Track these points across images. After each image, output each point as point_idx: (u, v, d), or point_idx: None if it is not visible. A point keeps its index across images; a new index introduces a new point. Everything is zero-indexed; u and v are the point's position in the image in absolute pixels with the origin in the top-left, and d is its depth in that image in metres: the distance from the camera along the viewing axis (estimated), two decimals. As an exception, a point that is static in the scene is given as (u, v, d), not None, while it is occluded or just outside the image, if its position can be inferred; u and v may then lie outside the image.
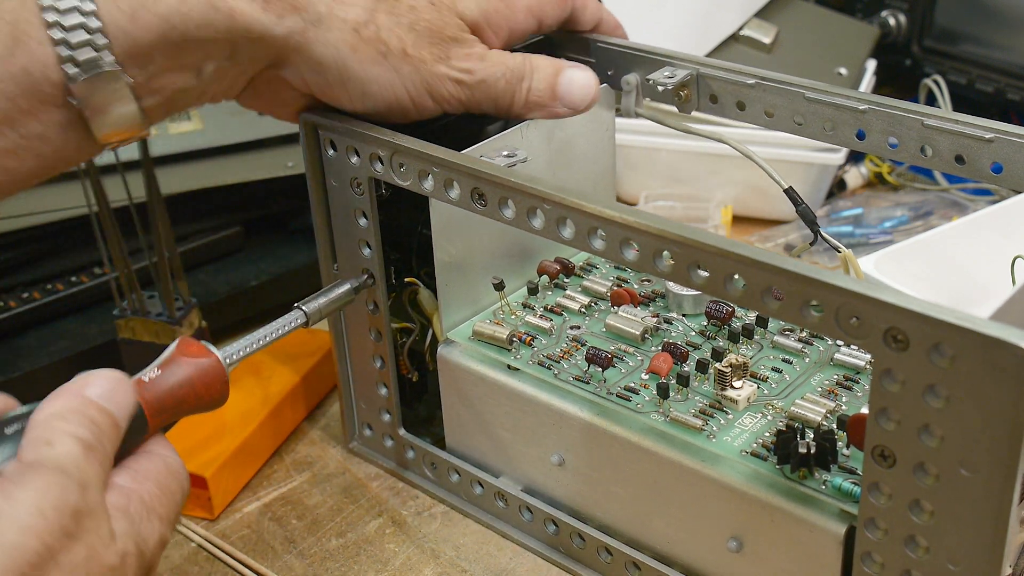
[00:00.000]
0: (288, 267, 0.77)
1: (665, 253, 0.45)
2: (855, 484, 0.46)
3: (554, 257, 0.62)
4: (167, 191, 0.65)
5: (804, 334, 0.56)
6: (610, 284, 0.60)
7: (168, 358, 0.46)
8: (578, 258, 0.64)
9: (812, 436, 0.47)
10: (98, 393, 0.40)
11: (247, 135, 0.80)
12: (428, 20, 0.53)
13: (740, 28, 0.88)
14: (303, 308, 0.54)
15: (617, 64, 0.62)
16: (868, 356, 0.53)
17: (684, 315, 0.58)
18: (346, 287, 0.56)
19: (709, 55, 0.86)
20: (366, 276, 0.58)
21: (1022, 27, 0.84)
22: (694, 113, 0.61)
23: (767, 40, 0.88)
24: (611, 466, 0.53)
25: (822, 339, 0.55)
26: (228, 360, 0.48)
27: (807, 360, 0.54)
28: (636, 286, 0.61)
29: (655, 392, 0.52)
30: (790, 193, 0.57)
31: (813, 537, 0.47)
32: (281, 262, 0.78)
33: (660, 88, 0.60)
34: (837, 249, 0.57)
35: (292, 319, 0.53)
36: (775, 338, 0.55)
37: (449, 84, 0.54)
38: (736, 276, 0.43)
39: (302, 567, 0.57)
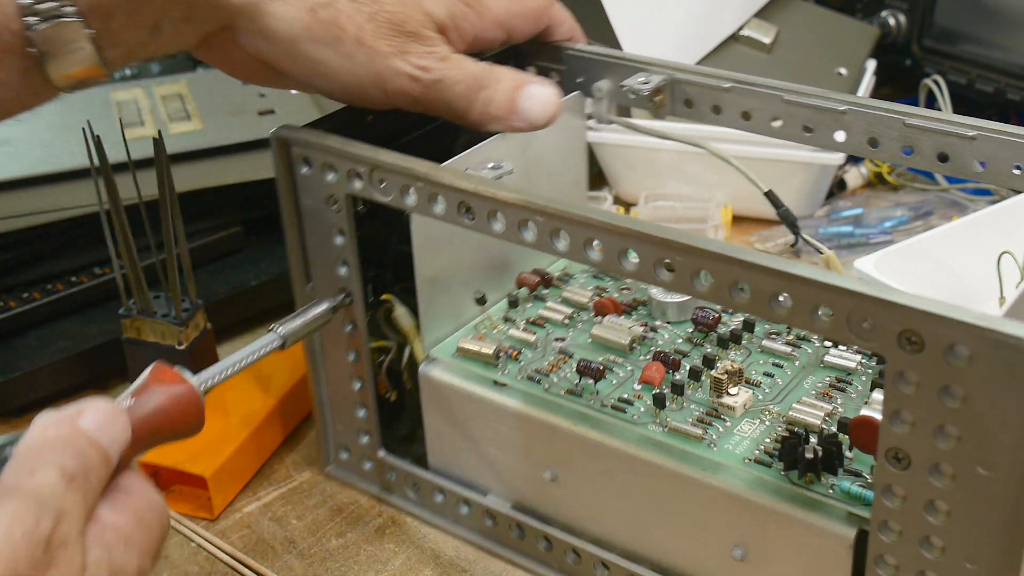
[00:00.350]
0: (288, 267, 0.76)
1: (667, 262, 0.44)
2: (863, 487, 0.45)
3: (531, 268, 0.61)
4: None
5: (792, 337, 0.56)
6: (591, 294, 0.59)
7: (142, 385, 0.44)
8: (554, 268, 0.63)
9: (816, 440, 0.47)
10: (91, 424, 0.39)
11: (247, 135, 0.79)
12: (390, 12, 0.52)
13: (740, 28, 0.88)
14: (278, 331, 0.52)
15: (588, 71, 0.62)
16: (858, 357, 0.53)
17: (668, 322, 0.57)
18: (323, 307, 0.55)
19: (709, 55, 0.86)
20: (343, 295, 0.56)
21: (1022, 27, 0.84)
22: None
23: (767, 40, 0.87)
24: (608, 479, 0.52)
25: (810, 341, 0.55)
26: (203, 387, 0.46)
27: (797, 363, 0.54)
28: (616, 295, 0.60)
29: (650, 402, 0.52)
30: (770, 196, 0.57)
31: (822, 542, 0.46)
32: (281, 262, 0.76)
33: (633, 95, 0.59)
34: (819, 250, 0.57)
35: (268, 342, 0.52)
36: (763, 342, 0.55)
37: (403, 79, 0.53)
38: (742, 283, 0.42)
39: (302, 567, 0.57)
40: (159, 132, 0.61)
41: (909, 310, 0.38)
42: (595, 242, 0.46)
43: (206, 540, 0.59)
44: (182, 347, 0.64)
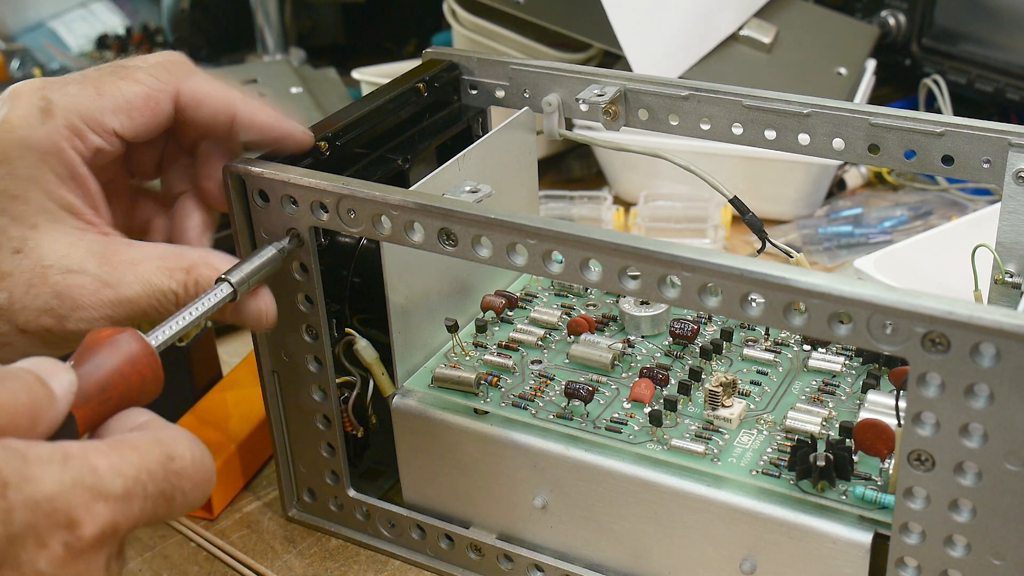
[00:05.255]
0: None
1: (671, 279, 0.43)
2: (877, 491, 0.45)
3: (494, 291, 0.60)
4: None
5: (769, 342, 0.55)
6: (559, 313, 0.58)
7: (80, 349, 0.40)
8: (514, 287, 0.62)
9: (825, 447, 0.47)
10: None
11: None
12: None
13: (740, 28, 0.87)
14: (229, 279, 0.48)
15: (536, 85, 0.60)
16: (841, 359, 0.53)
17: (643, 336, 0.57)
18: (272, 252, 0.51)
19: (709, 55, 0.85)
20: (289, 239, 0.52)
21: (1022, 27, 0.85)
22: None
23: (767, 40, 0.87)
24: (605, 502, 0.51)
25: (789, 346, 0.55)
26: (157, 342, 0.44)
27: (780, 369, 0.54)
28: (583, 311, 0.59)
29: (644, 421, 0.51)
30: (735, 202, 0.57)
31: (837, 549, 0.46)
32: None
33: (587, 107, 0.58)
34: (788, 254, 0.57)
35: (218, 292, 0.48)
36: (744, 351, 0.55)
37: None
38: (753, 296, 0.42)
39: (302, 567, 0.57)
40: None
41: (935, 312, 0.38)
42: (591, 262, 0.44)
43: (206, 540, 0.59)
44: (183, 344, 0.62)
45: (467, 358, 0.56)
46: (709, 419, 0.50)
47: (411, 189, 0.51)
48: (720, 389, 0.50)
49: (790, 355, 0.54)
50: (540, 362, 0.55)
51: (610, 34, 0.82)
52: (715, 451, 0.49)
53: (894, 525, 0.43)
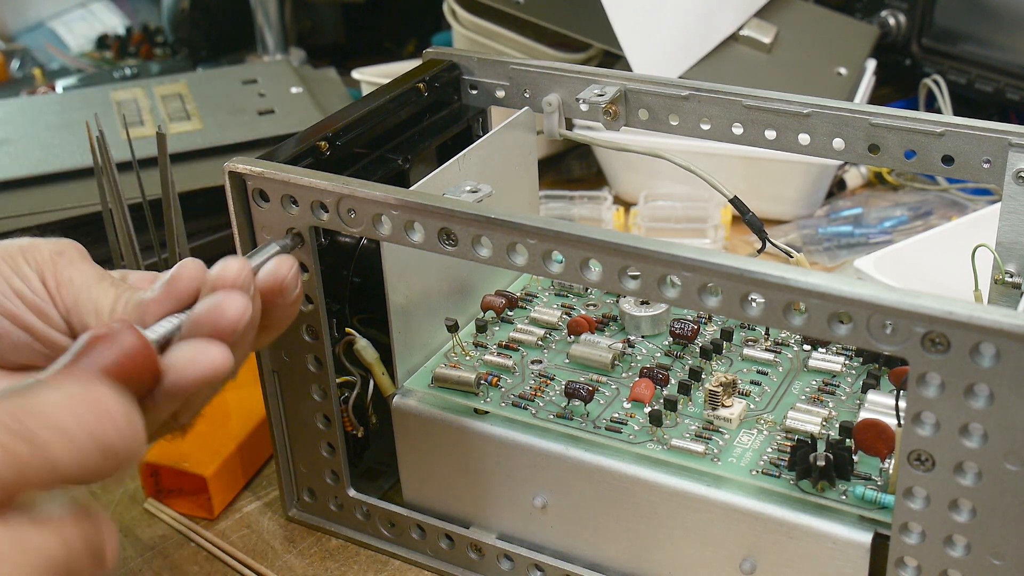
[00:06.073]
0: None
1: (671, 279, 0.43)
2: (877, 491, 0.45)
3: (494, 290, 0.60)
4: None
5: (769, 342, 0.55)
6: (559, 313, 0.58)
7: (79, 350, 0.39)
8: (514, 287, 0.62)
9: (825, 447, 0.47)
10: None
11: (247, 135, 0.80)
12: None
13: (740, 28, 0.87)
14: None
15: (536, 85, 0.60)
16: (841, 359, 0.53)
17: (644, 336, 0.57)
18: (274, 248, 0.48)
19: (709, 55, 0.85)
20: (289, 238, 0.51)
21: (1022, 27, 0.85)
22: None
23: (767, 40, 0.87)
24: (605, 502, 0.51)
25: (789, 346, 0.55)
26: (157, 340, 0.41)
27: (780, 369, 0.54)
28: (583, 311, 0.59)
29: (644, 420, 0.51)
30: (735, 202, 0.57)
31: (837, 549, 0.46)
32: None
33: (587, 107, 0.58)
34: (788, 254, 0.57)
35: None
36: (744, 351, 0.55)
37: None
38: (753, 296, 0.42)
39: (302, 567, 0.57)
40: (159, 127, 0.61)
41: (934, 312, 0.38)
42: (591, 262, 0.44)
43: (206, 540, 0.59)
44: None
45: (467, 358, 0.56)
46: (709, 419, 0.50)
47: (411, 189, 0.51)
48: (720, 389, 0.50)
49: (790, 355, 0.54)
50: (540, 362, 0.55)
51: (610, 34, 0.83)
52: (715, 451, 0.49)
53: (894, 525, 0.43)
